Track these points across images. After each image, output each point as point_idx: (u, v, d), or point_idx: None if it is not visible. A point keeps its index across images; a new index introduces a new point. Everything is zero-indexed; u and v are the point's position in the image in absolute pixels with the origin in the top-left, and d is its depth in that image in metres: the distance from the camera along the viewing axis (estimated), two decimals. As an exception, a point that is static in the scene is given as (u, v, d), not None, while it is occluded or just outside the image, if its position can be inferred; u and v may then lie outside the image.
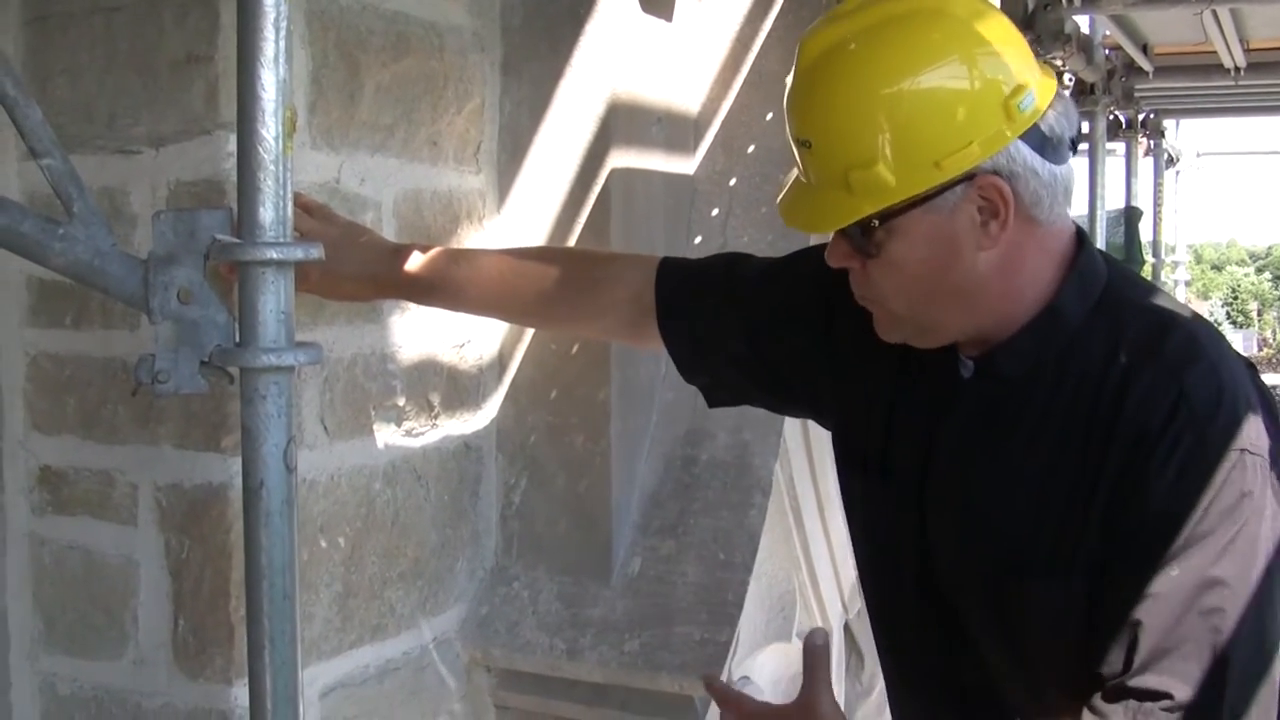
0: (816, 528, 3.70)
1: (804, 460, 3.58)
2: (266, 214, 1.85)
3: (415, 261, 2.25)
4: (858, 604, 4.13)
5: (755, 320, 2.15)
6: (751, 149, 3.30)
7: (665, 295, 2.19)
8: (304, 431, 2.48)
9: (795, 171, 1.88)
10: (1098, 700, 1.70)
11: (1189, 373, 1.73)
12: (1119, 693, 1.68)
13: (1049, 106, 1.75)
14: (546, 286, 2.28)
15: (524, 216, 2.96)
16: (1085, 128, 8.69)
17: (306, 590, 2.36)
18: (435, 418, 2.81)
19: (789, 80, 1.83)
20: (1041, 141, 1.74)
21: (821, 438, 3.63)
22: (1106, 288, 1.85)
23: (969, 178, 1.72)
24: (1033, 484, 1.79)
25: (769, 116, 3.28)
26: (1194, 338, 1.78)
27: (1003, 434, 1.84)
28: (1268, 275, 47.20)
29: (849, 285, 1.91)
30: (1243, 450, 1.69)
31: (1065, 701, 1.79)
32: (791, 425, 3.36)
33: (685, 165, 3.29)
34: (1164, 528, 1.68)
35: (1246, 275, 47.58)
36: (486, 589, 2.99)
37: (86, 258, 1.92)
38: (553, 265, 2.33)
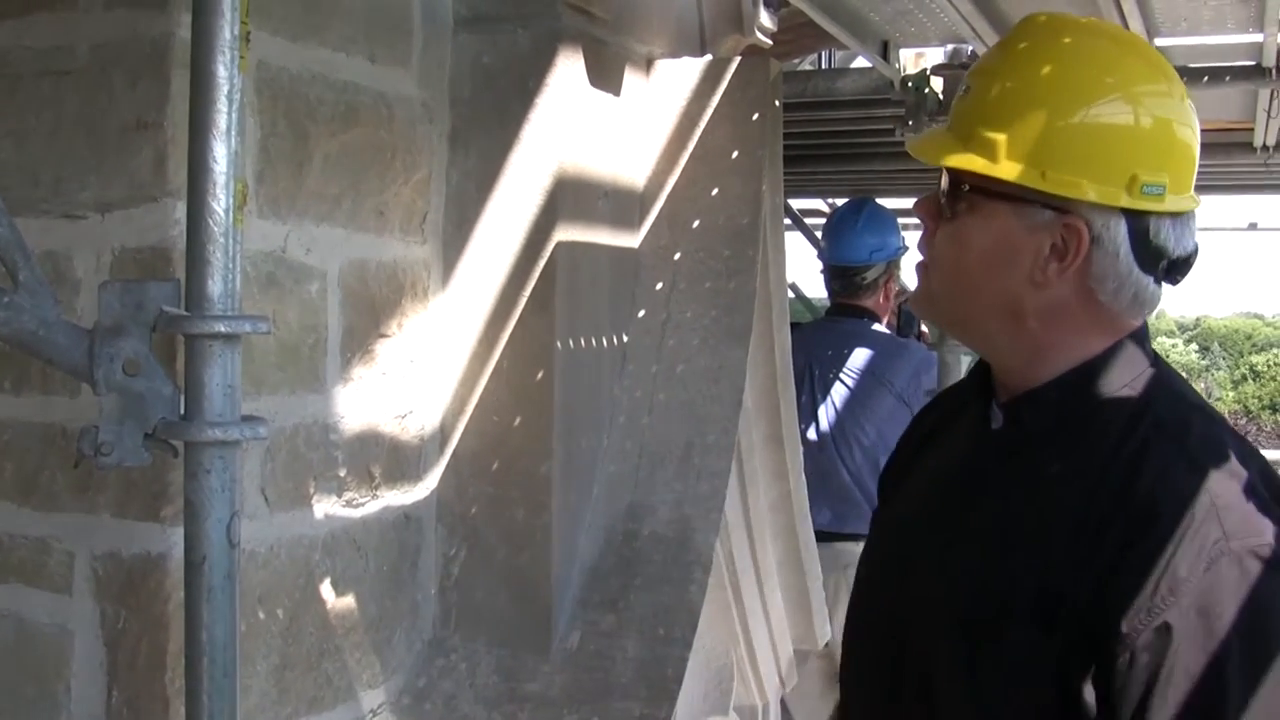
0: (755, 603, 3.69)
1: (744, 535, 3.58)
2: (215, 287, 1.85)
3: None
4: (794, 678, 4.12)
5: None
6: (696, 224, 3.31)
7: None
8: (245, 502, 2.45)
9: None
10: None
11: (1212, 463, 1.73)
12: None
13: (1169, 219, 1.81)
14: None
15: (469, 288, 2.96)
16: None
17: (244, 662, 2.33)
18: (376, 488, 2.79)
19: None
20: (1142, 242, 1.80)
21: (761, 513, 3.65)
22: (1147, 372, 1.88)
23: (1064, 210, 1.79)
24: (1030, 536, 1.80)
25: (714, 192, 3.30)
26: (1219, 432, 1.81)
27: (1012, 484, 1.87)
28: (1195, 346, 47.74)
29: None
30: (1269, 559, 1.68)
31: None
32: (732, 500, 3.36)
33: (630, 239, 3.30)
34: (1203, 630, 1.65)
35: (1175, 346, 48.11)
36: (424, 660, 2.96)
37: (31, 327, 1.91)
38: None
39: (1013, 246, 1.83)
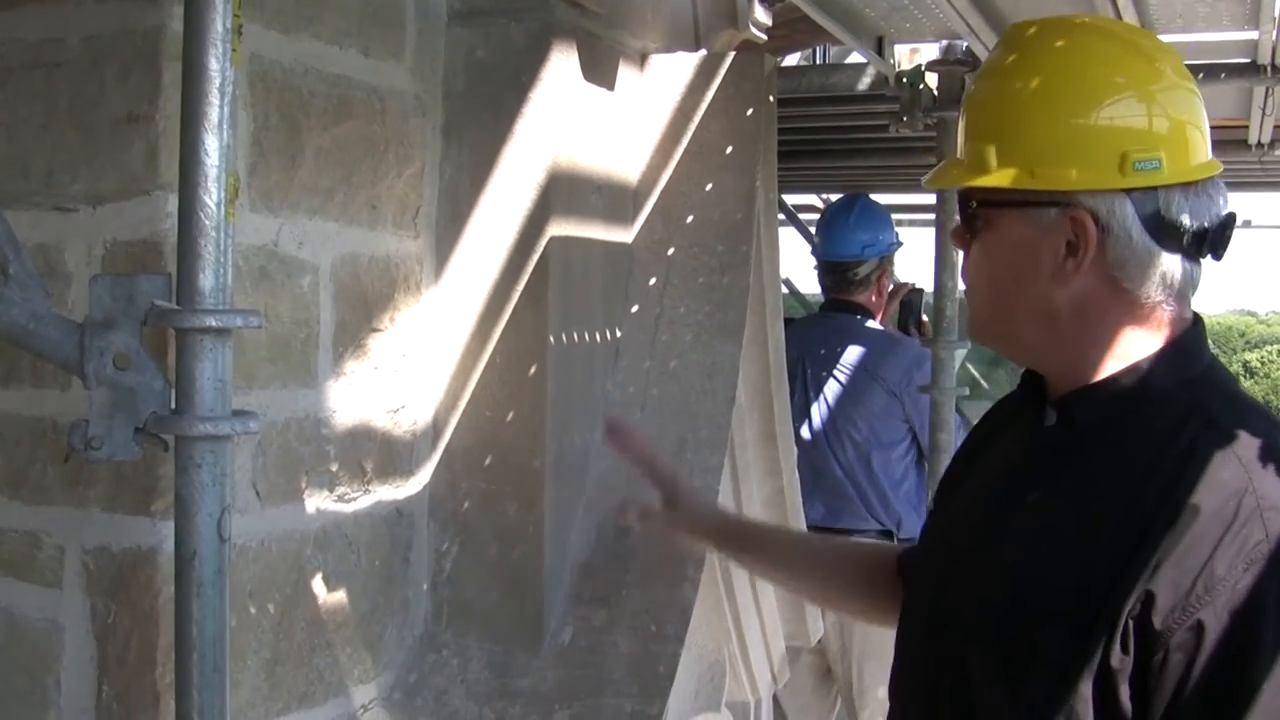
0: (748, 599, 3.69)
1: (736, 530, 3.57)
2: (206, 280, 1.84)
3: (744, 525, 2.63)
4: (786, 675, 4.12)
5: None
6: (690, 219, 3.31)
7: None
8: (236, 496, 2.44)
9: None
10: None
11: (1260, 462, 1.69)
12: None
13: (1179, 191, 1.78)
14: (835, 572, 2.47)
15: (462, 282, 2.95)
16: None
17: (234, 657, 2.32)
18: (368, 483, 2.78)
19: None
20: (1155, 219, 1.77)
21: (755, 508, 3.64)
22: (1203, 373, 1.85)
23: (1064, 205, 1.78)
24: (1072, 535, 1.77)
25: (708, 187, 3.29)
26: (1274, 434, 1.75)
27: (1059, 483, 1.84)
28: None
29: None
30: None
31: None
32: (726, 496, 3.35)
33: (624, 234, 3.30)
34: (1235, 632, 1.62)
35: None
36: (415, 656, 2.95)
37: (22, 320, 1.90)
38: (846, 554, 2.60)
39: (1031, 252, 1.82)
